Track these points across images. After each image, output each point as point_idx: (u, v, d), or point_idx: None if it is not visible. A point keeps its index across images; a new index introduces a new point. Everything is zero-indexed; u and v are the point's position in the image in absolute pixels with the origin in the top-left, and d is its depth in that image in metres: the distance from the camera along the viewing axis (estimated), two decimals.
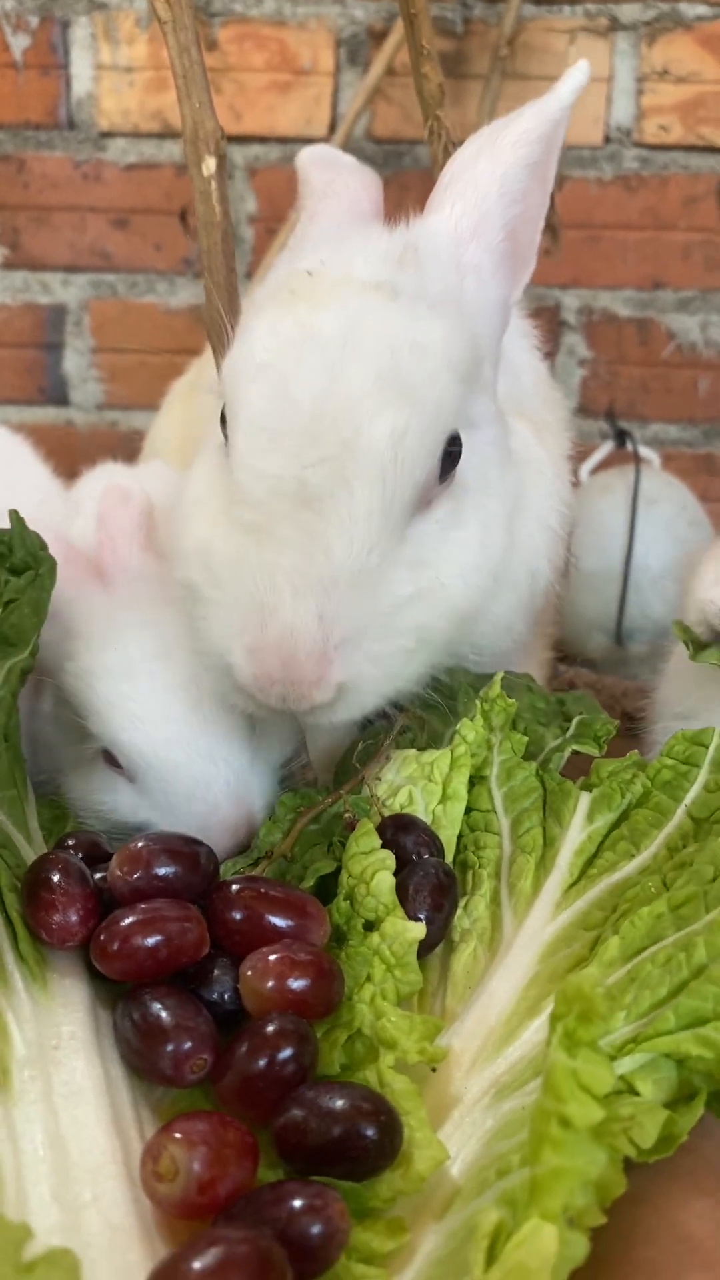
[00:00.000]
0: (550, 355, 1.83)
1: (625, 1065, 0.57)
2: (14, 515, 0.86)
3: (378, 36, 1.83)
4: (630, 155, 1.88)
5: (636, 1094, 0.57)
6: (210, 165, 1.03)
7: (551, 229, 1.76)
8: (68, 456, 1.27)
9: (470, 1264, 0.48)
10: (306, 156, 1.06)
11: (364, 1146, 0.56)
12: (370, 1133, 0.56)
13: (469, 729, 0.87)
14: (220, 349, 0.99)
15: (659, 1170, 0.56)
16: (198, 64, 1.02)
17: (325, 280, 0.85)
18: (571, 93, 0.91)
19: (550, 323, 1.94)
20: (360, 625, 0.79)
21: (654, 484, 1.73)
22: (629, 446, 1.80)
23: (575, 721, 0.93)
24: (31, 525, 0.90)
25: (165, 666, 0.88)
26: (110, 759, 0.89)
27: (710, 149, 1.87)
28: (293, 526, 0.78)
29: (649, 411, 1.99)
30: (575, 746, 0.90)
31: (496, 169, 0.90)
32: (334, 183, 1.03)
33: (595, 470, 1.83)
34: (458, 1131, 0.61)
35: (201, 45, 1.03)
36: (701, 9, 1.81)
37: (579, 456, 1.77)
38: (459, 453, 0.86)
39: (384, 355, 0.80)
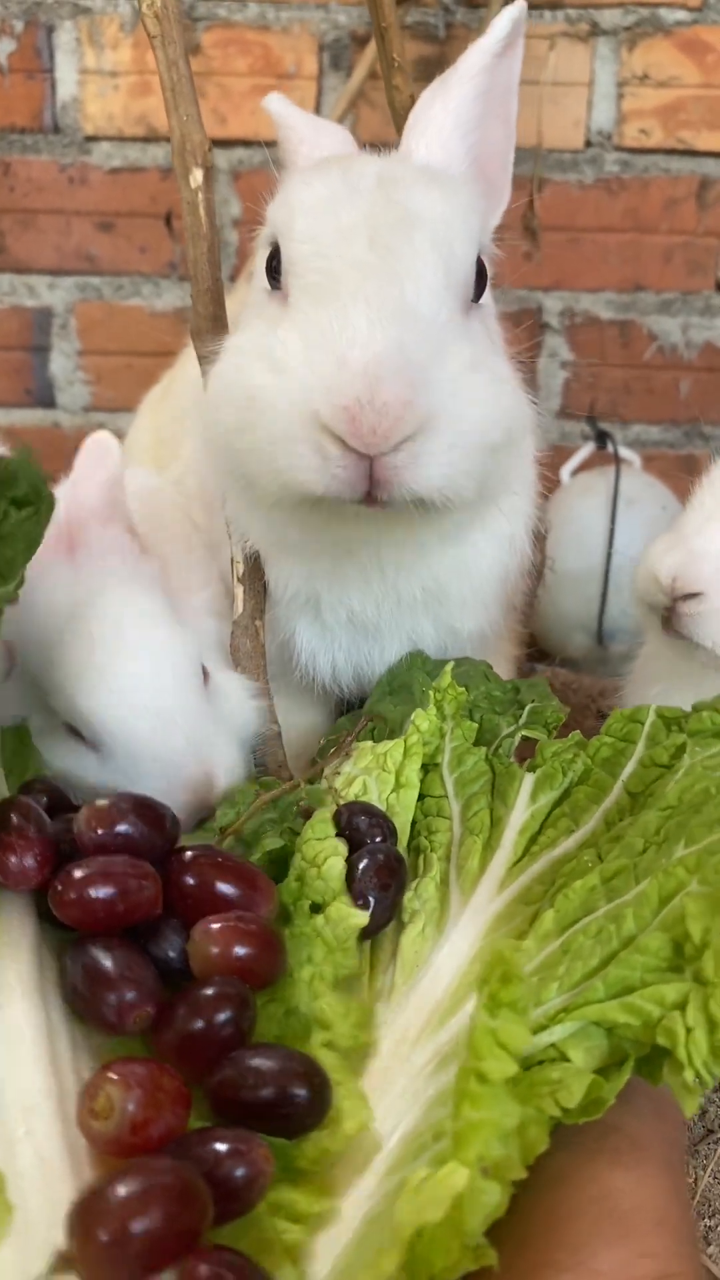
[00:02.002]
0: (532, 358, 1.85)
1: (556, 1034, 0.58)
2: (23, 448, 0.86)
3: (360, 41, 1.85)
4: (611, 159, 1.90)
5: (568, 1061, 0.58)
6: (198, 177, 1.04)
7: (532, 232, 1.77)
8: (54, 458, 1.27)
9: (394, 1215, 0.50)
10: (278, 102, 1.14)
11: (294, 1105, 0.59)
12: (300, 1093, 0.59)
13: (422, 719, 0.88)
14: (205, 356, 1.01)
15: (584, 1147, 0.57)
16: (186, 77, 1.04)
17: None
18: (507, 23, 0.99)
19: (532, 325, 1.95)
20: (434, 374, 0.81)
21: (635, 485, 1.74)
22: (610, 448, 1.81)
23: (527, 709, 0.95)
24: None
25: (124, 637, 0.89)
26: (72, 730, 0.90)
27: (690, 152, 1.88)
28: (362, 274, 0.82)
29: (630, 413, 2.01)
30: (525, 733, 0.92)
31: (449, 104, 0.99)
32: (319, 125, 1.12)
33: (576, 471, 1.84)
34: (400, 1099, 0.62)
35: (189, 58, 1.05)
36: (680, 14, 1.83)
37: (560, 458, 1.80)
38: (485, 281, 0.92)
39: (420, 170, 0.94)
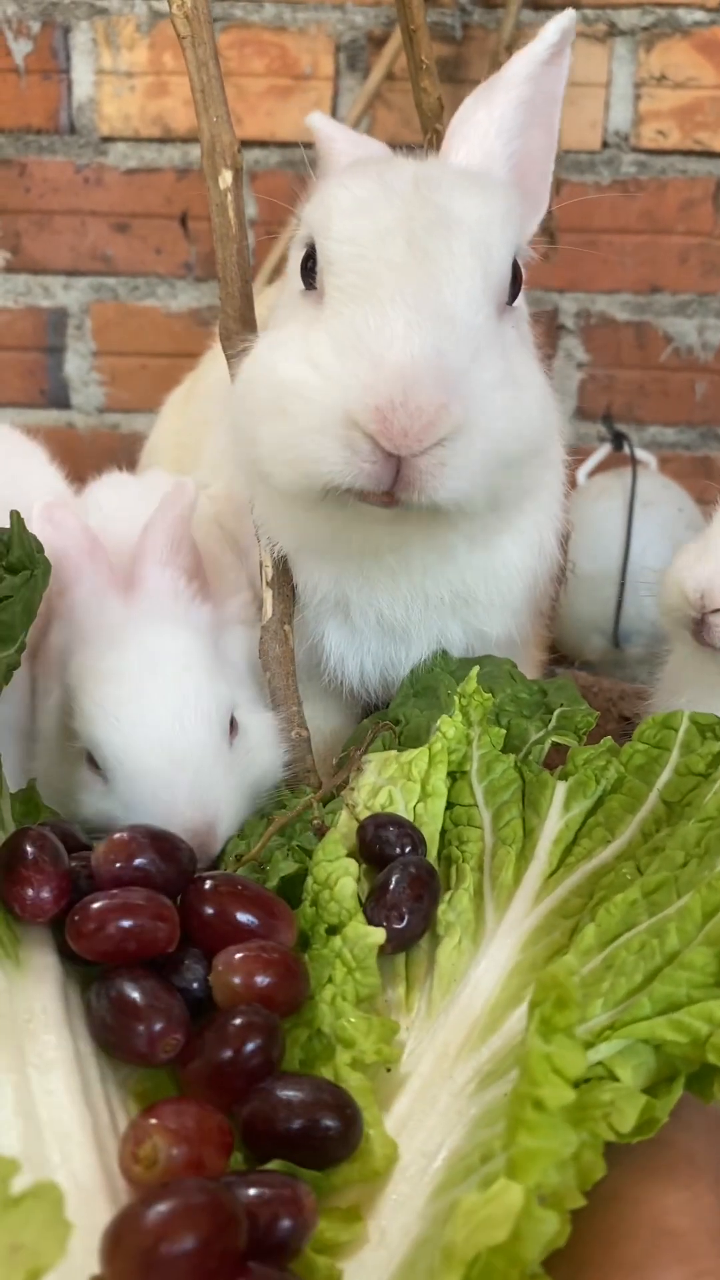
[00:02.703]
0: (548, 359, 1.85)
1: (603, 1051, 0.58)
2: (14, 515, 0.88)
3: (377, 42, 1.85)
4: (628, 160, 1.89)
5: (616, 1080, 0.58)
6: (227, 178, 1.04)
7: (549, 233, 1.77)
8: (69, 459, 1.28)
9: (445, 1237, 0.50)
10: (321, 120, 1.16)
11: (326, 1137, 0.58)
12: (332, 1124, 0.59)
13: (448, 725, 0.88)
14: (234, 359, 1.01)
15: (637, 1165, 0.57)
16: (215, 78, 1.04)
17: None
18: (555, 33, 0.98)
19: (548, 326, 1.95)
20: (469, 379, 0.81)
21: (651, 486, 1.74)
22: (626, 449, 1.80)
23: (556, 714, 0.94)
24: (50, 522, 0.94)
25: (157, 678, 0.91)
26: (92, 761, 0.91)
27: (707, 153, 1.88)
28: (399, 275, 0.82)
29: (646, 414, 2.00)
30: (555, 739, 0.91)
31: (493, 110, 0.99)
32: (360, 140, 1.13)
33: (593, 473, 1.83)
34: (444, 1119, 0.62)
35: (218, 58, 1.05)
36: (699, 14, 1.82)
37: (576, 460, 1.79)
38: (520, 284, 0.92)
39: (459, 172, 0.94)
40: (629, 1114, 0.54)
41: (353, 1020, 0.66)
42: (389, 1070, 0.66)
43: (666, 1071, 0.58)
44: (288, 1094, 0.60)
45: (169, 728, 0.89)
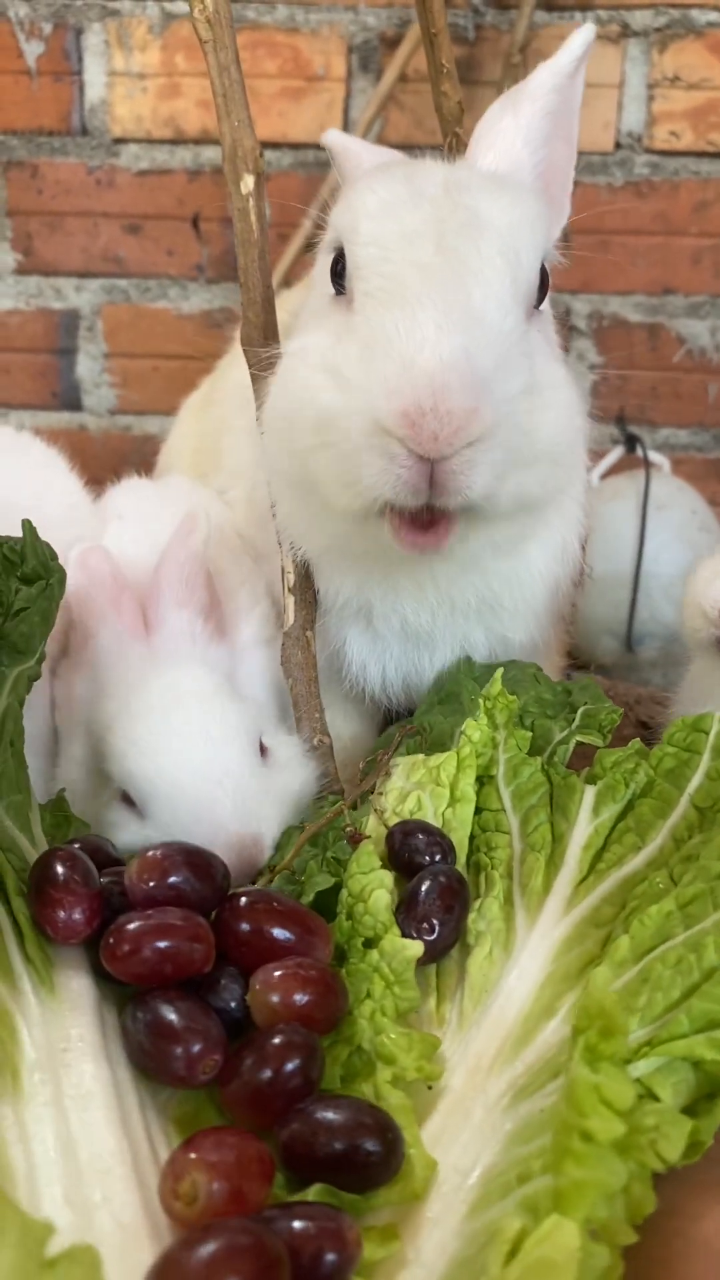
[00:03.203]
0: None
1: (641, 1069, 0.58)
2: (26, 525, 0.87)
3: (390, 43, 1.84)
4: (641, 161, 1.89)
5: (656, 1099, 0.57)
6: (249, 183, 1.04)
7: (562, 234, 1.76)
8: (81, 461, 1.27)
9: (488, 1264, 0.49)
10: (338, 136, 1.16)
11: (368, 1162, 0.58)
12: (374, 1147, 0.58)
13: (474, 728, 0.87)
14: (256, 365, 1.00)
15: (687, 1184, 0.56)
16: (237, 83, 1.03)
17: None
18: (580, 45, 1.00)
19: (560, 328, 1.94)
20: (498, 383, 0.81)
21: (664, 489, 1.73)
22: (639, 452, 1.80)
23: (580, 712, 0.94)
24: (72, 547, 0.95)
25: (182, 708, 0.92)
26: (126, 799, 0.92)
27: None
28: (428, 278, 0.82)
29: (659, 416, 2.00)
30: (580, 738, 0.91)
31: (519, 119, 1.00)
32: (379, 151, 1.13)
33: (606, 475, 1.83)
34: (478, 1134, 0.62)
35: (239, 62, 1.05)
36: (713, 15, 1.82)
37: (589, 462, 1.79)
38: (547, 287, 0.93)
39: (485, 175, 0.94)
40: (675, 1140, 0.53)
41: (393, 1036, 0.65)
42: (430, 1088, 0.65)
43: (705, 1088, 0.58)
44: (328, 1117, 0.59)
45: (202, 749, 0.90)
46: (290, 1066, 0.62)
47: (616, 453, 1.84)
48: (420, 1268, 0.56)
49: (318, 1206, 0.55)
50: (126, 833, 0.90)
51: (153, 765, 0.89)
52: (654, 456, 1.80)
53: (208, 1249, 0.48)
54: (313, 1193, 0.57)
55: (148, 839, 0.88)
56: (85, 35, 1.88)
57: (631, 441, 1.82)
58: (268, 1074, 0.62)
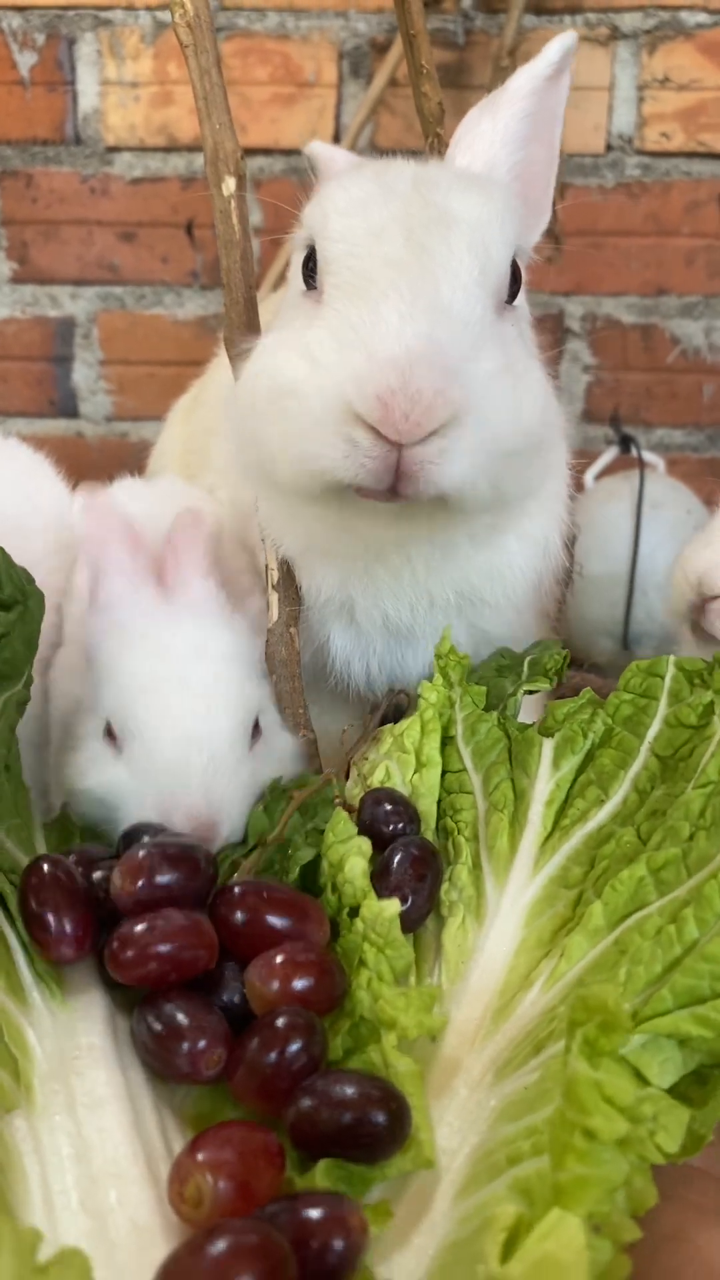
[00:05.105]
0: (555, 362, 1.84)
1: (626, 1047, 0.57)
2: (0, 552, 0.87)
3: (380, 48, 1.85)
4: (632, 163, 1.90)
5: (645, 1081, 0.56)
6: (230, 185, 1.05)
7: (554, 237, 1.77)
8: (77, 468, 1.28)
9: (485, 1255, 0.48)
10: (321, 146, 1.18)
11: (375, 1132, 0.58)
12: (380, 1119, 0.58)
13: (430, 690, 0.87)
14: (237, 361, 1.01)
15: (695, 1205, 0.56)
16: (218, 86, 1.04)
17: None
18: (558, 51, 1.00)
19: (554, 330, 1.95)
20: (466, 369, 0.81)
21: (659, 489, 1.73)
22: (634, 452, 1.80)
23: (525, 663, 0.93)
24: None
25: (195, 664, 0.91)
26: (109, 733, 0.90)
27: (712, 155, 1.88)
28: (397, 270, 0.82)
29: (653, 417, 2.00)
30: (528, 686, 0.90)
31: (497, 122, 1.00)
32: (361, 161, 1.13)
33: (600, 476, 1.83)
34: (463, 1112, 0.61)
35: (220, 66, 1.06)
36: (701, 17, 1.82)
37: (583, 463, 1.79)
38: (520, 283, 0.93)
39: (456, 173, 0.94)
40: (674, 1130, 0.53)
41: (389, 998, 0.64)
42: (433, 1040, 0.64)
43: (692, 1066, 0.57)
44: (333, 1091, 0.59)
45: (194, 710, 0.88)
46: (294, 1047, 0.62)
47: (611, 453, 1.84)
48: (410, 1249, 0.56)
49: (322, 1195, 0.55)
50: (100, 764, 0.89)
51: (143, 708, 0.88)
52: (649, 457, 1.80)
53: (212, 1250, 0.48)
54: (321, 1168, 0.57)
55: (116, 779, 0.88)
56: (78, 45, 1.89)
57: (626, 442, 1.82)
58: (272, 1056, 0.62)
